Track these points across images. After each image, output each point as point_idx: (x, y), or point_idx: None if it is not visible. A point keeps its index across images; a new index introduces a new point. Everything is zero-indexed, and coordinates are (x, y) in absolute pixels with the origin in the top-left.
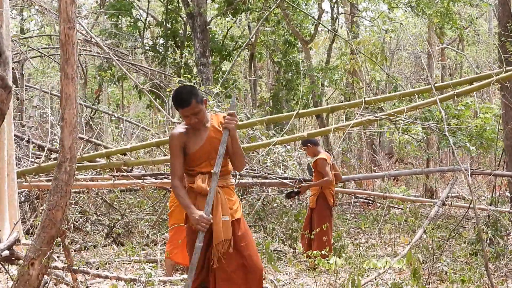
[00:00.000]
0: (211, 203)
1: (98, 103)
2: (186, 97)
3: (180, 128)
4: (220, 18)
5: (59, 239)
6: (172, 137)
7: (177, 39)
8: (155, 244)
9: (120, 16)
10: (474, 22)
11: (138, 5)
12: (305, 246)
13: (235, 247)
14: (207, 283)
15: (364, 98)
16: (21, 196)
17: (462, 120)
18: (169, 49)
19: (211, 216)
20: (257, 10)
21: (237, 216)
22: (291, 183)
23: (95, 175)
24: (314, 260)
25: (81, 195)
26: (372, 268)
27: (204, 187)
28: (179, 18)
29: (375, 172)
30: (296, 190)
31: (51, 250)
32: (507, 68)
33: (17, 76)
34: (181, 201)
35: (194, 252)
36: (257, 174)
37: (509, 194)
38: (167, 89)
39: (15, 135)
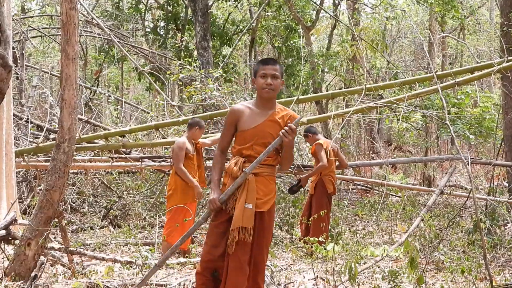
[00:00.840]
0: (229, 193)
1: (98, 85)
2: (274, 60)
3: (241, 105)
4: (222, 2)
5: (56, 220)
6: (230, 111)
7: (178, 22)
8: (152, 227)
9: None
10: (475, 11)
11: None
12: (303, 232)
13: (252, 239)
14: (219, 271)
15: (365, 85)
16: (19, 175)
17: (462, 108)
18: (170, 32)
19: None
20: None
21: (263, 209)
22: (289, 168)
23: (93, 156)
24: (311, 246)
25: (78, 176)
26: (369, 255)
27: (235, 170)
28: (181, 1)
29: (374, 159)
30: (297, 183)
31: (48, 231)
32: (509, 58)
33: (17, 55)
34: (212, 173)
35: (194, 225)
36: None
37: (507, 184)
38: (167, 72)
39: (14, 115)
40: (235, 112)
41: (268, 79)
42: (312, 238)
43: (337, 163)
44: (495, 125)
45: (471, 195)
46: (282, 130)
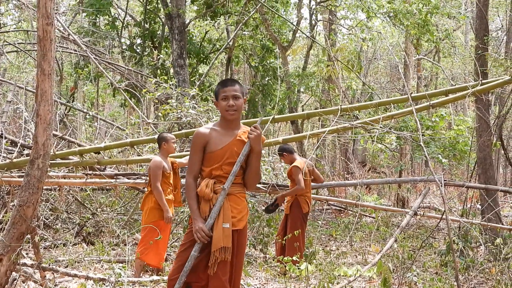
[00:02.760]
0: (214, 216)
1: (73, 101)
2: (233, 80)
3: (206, 128)
4: (199, 21)
5: (28, 236)
6: (196, 134)
7: (155, 39)
8: (125, 244)
9: (98, 15)
10: (451, 35)
11: (117, 4)
12: (279, 251)
13: (231, 257)
14: (192, 285)
15: (340, 105)
16: None
17: (436, 131)
18: (147, 49)
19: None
20: (236, 14)
21: (239, 227)
22: (264, 188)
23: (67, 172)
24: (285, 266)
25: (52, 192)
26: (342, 275)
27: (207, 192)
28: (158, 18)
29: (348, 180)
30: (273, 202)
31: (21, 247)
32: (483, 81)
33: None
34: (189, 202)
35: (188, 260)
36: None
37: (479, 207)
38: (143, 90)
39: None
40: (202, 135)
41: (229, 101)
42: (286, 258)
43: (312, 177)
44: (469, 148)
45: (444, 216)
46: (248, 132)
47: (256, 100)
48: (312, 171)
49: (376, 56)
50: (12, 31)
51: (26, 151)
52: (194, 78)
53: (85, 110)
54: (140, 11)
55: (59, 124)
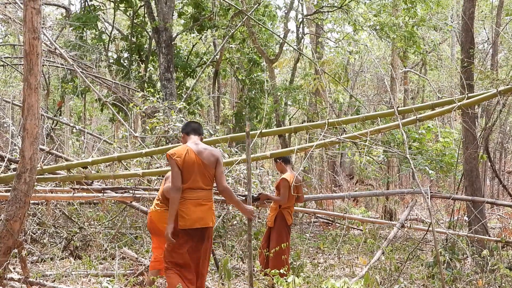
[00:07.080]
0: None
1: (60, 115)
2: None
3: None
4: (186, 34)
5: (15, 250)
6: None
7: (142, 53)
8: (112, 258)
9: (85, 28)
10: (437, 47)
11: (103, 18)
12: (262, 264)
13: None
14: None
15: (328, 119)
16: None
17: (423, 143)
18: (134, 63)
19: None
20: (223, 27)
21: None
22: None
23: (54, 187)
24: (272, 279)
25: (39, 206)
26: None
27: None
28: (145, 32)
29: (336, 192)
30: (256, 197)
31: (8, 261)
32: (469, 95)
33: None
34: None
35: None
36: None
37: (467, 218)
38: (130, 104)
39: None
40: None
41: None
42: (273, 271)
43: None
44: (456, 160)
45: (430, 228)
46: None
47: (243, 113)
48: (299, 187)
49: (363, 68)
50: None
51: (13, 166)
52: (181, 91)
53: (72, 124)
54: (127, 25)
55: (46, 138)
